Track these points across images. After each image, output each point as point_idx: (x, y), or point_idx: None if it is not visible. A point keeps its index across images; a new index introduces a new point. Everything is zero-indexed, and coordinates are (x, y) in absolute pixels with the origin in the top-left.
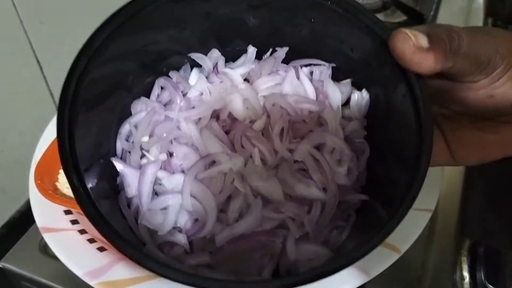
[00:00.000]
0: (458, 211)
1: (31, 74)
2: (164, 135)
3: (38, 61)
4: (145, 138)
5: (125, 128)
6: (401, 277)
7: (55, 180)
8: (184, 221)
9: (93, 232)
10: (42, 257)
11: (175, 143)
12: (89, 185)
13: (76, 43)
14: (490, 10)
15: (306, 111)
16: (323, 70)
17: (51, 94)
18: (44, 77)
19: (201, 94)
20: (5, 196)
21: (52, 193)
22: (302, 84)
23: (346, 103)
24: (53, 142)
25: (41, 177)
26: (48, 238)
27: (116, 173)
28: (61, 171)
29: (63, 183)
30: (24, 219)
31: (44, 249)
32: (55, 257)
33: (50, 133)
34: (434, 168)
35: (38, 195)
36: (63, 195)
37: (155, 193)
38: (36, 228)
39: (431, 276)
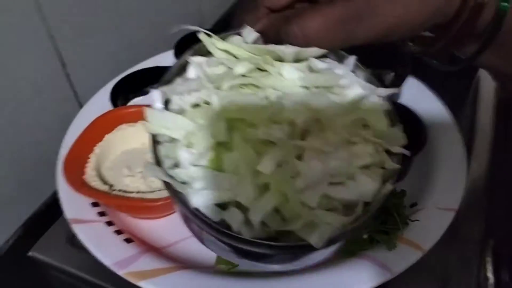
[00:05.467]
0: (482, 211)
1: (54, 71)
2: None
3: (61, 59)
4: None
5: None
6: (424, 277)
7: (83, 173)
8: None
9: (119, 224)
10: (69, 248)
11: None
12: None
13: (98, 42)
14: None
15: None
16: None
17: (74, 92)
18: (67, 75)
19: None
20: (31, 190)
21: (80, 186)
22: None
23: None
24: (80, 137)
25: (69, 171)
26: (77, 229)
27: None
28: (88, 165)
29: (90, 177)
30: (50, 211)
31: (71, 240)
32: (82, 248)
33: (75, 129)
34: (458, 168)
35: (66, 188)
36: (90, 188)
37: None
38: (64, 219)
39: (455, 277)
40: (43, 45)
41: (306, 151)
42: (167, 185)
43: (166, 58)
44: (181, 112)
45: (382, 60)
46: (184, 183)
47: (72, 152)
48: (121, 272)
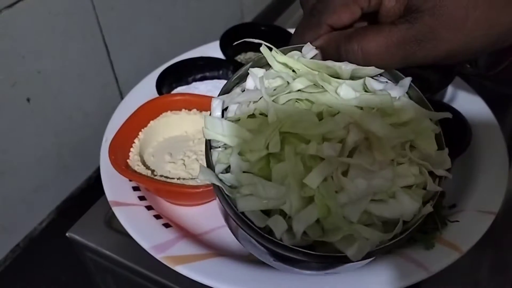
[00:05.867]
0: None
1: (99, 58)
2: None
3: (106, 46)
4: None
5: None
6: (456, 280)
7: (127, 157)
8: None
9: (159, 209)
10: (106, 230)
11: None
12: None
13: (142, 31)
14: None
15: None
16: None
17: (116, 79)
18: (111, 62)
19: None
20: (67, 173)
21: (124, 169)
22: None
23: None
24: (127, 120)
25: (114, 154)
26: (117, 211)
27: None
28: (132, 149)
29: (134, 161)
30: (85, 195)
31: (109, 222)
32: (119, 231)
33: (120, 114)
34: (500, 170)
35: (108, 171)
36: (134, 171)
37: None
38: (102, 202)
39: (487, 282)
40: (91, 32)
41: (351, 168)
42: (217, 189)
43: (211, 49)
44: (237, 121)
45: None
46: (232, 187)
47: (119, 135)
48: (158, 256)
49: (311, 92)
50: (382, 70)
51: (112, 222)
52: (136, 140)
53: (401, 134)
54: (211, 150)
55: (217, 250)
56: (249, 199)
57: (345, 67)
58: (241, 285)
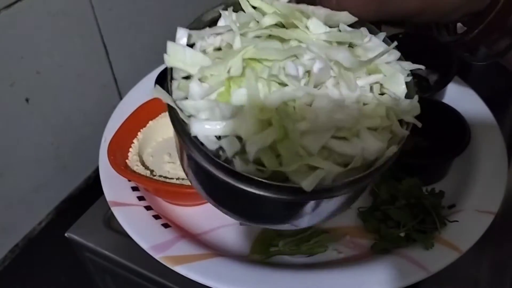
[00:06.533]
0: None
1: (98, 58)
2: None
3: (105, 46)
4: None
5: None
6: (456, 279)
7: (126, 157)
8: None
9: (158, 209)
10: (105, 230)
11: None
12: None
13: (141, 31)
14: None
15: None
16: None
17: (115, 79)
18: (110, 62)
19: None
20: (66, 173)
21: (123, 169)
22: None
23: None
24: (126, 120)
25: (114, 154)
26: (116, 212)
27: None
28: (131, 149)
29: (133, 161)
30: (84, 195)
31: (108, 222)
32: (118, 231)
33: (119, 115)
34: (499, 171)
35: (107, 171)
36: (133, 171)
37: None
38: (101, 202)
39: (487, 281)
40: (89, 32)
41: (316, 99)
42: (171, 112)
43: None
44: (203, 53)
45: (428, 60)
46: (190, 116)
47: (118, 136)
48: (157, 256)
49: (280, 29)
50: (356, 19)
51: (111, 222)
52: (135, 140)
53: (368, 70)
54: (172, 80)
55: (216, 250)
56: (205, 123)
57: (318, 11)
58: (241, 285)
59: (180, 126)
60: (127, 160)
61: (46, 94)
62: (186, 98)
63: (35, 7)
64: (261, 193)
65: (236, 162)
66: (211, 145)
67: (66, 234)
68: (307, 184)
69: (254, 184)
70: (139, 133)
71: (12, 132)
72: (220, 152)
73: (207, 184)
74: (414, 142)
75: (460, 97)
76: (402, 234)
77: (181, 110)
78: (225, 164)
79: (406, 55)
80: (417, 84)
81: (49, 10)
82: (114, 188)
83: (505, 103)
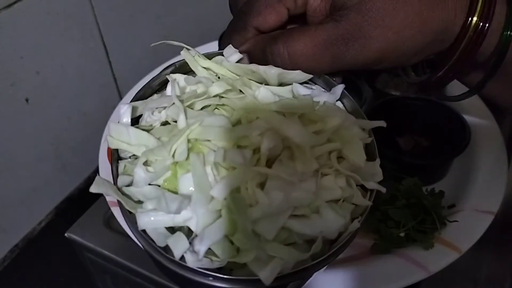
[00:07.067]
0: None
1: (98, 58)
2: None
3: (105, 46)
4: None
5: None
6: (456, 278)
7: None
8: None
9: None
10: (105, 230)
11: None
12: None
13: (141, 31)
14: None
15: None
16: None
17: (115, 79)
18: (110, 62)
19: None
20: (66, 173)
21: None
22: None
23: None
24: None
25: None
26: (116, 212)
27: None
28: None
29: None
30: (84, 195)
31: (108, 222)
32: (118, 231)
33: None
34: (498, 171)
35: (107, 171)
36: None
37: None
38: (101, 202)
39: (488, 279)
40: (89, 32)
41: (269, 179)
42: (119, 203)
43: (210, 49)
44: (149, 129)
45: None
46: (139, 202)
47: None
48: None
49: (230, 98)
50: (310, 76)
51: (111, 222)
52: None
53: (324, 141)
54: (119, 161)
55: None
56: (152, 215)
57: (270, 71)
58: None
59: (129, 219)
60: None
61: (46, 94)
62: (132, 183)
63: (35, 7)
64: (220, 285)
65: (187, 258)
66: (160, 239)
67: (66, 234)
68: (265, 275)
69: (210, 277)
70: None
71: (12, 132)
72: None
73: (168, 273)
74: (414, 142)
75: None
76: (402, 234)
77: (128, 197)
78: (177, 261)
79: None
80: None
81: (49, 10)
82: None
83: None
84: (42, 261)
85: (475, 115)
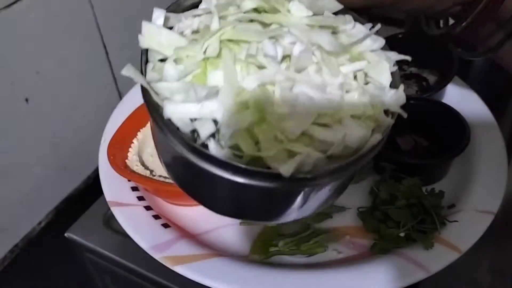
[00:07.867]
0: None
1: (98, 58)
2: None
3: (105, 46)
4: None
5: None
6: (457, 278)
7: (125, 157)
8: None
9: (157, 209)
10: (105, 230)
11: None
12: None
13: (141, 31)
14: None
15: None
16: None
17: (114, 79)
18: (109, 62)
19: None
20: (66, 174)
21: (123, 169)
22: None
23: None
24: (125, 121)
25: (113, 154)
26: (116, 212)
27: None
28: (131, 149)
29: (132, 161)
30: (83, 196)
31: (108, 223)
32: (117, 231)
33: (119, 115)
34: (499, 171)
35: (107, 171)
36: (133, 171)
37: None
38: (101, 202)
39: (488, 279)
40: (89, 32)
41: (297, 83)
42: (144, 94)
43: None
44: (180, 34)
45: (428, 60)
46: (164, 99)
47: (117, 136)
48: (157, 256)
49: (261, 12)
50: (341, 6)
51: (111, 223)
52: (134, 140)
53: (352, 57)
54: (148, 63)
55: (216, 250)
56: (179, 105)
57: None
58: (240, 285)
59: (154, 108)
60: (126, 160)
61: (46, 94)
62: (161, 80)
63: (35, 7)
64: (238, 179)
65: (211, 145)
66: (186, 127)
67: (66, 234)
68: (285, 168)
69: (230, 170)
70: (138, 133)
71: (12, 132)
72: (196, 136)
73: (183, 174)
74: (414, 142)
75: (460, 97)
76: (402, 234)
77: (155, 92)
78: (200, 148)
79: (405, 55)
80: (416, 84)
81: (49, 10)
82: (114, 188)
83: (505, 103)
84: (43, 261)
85: (475, 115)
